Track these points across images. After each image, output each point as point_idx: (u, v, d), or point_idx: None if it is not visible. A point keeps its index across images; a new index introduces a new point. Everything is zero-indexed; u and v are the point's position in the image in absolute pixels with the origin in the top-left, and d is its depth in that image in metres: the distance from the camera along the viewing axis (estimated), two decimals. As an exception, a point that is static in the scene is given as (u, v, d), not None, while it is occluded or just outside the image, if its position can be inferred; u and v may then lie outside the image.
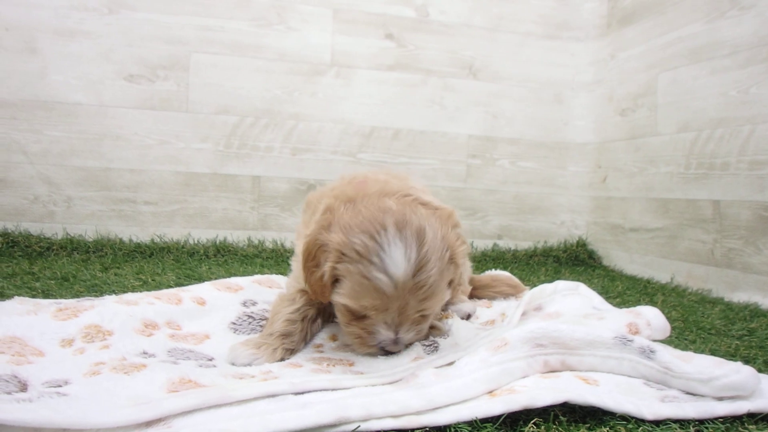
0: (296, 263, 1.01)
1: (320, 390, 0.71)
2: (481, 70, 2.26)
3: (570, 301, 1.10)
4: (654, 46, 1.98)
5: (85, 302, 0.99)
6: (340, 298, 0.85)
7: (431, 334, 0.95)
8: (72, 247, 1.87)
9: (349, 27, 2.16)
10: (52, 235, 1.95)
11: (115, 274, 1.53)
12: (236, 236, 2.09)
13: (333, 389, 0.72)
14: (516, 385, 0.74)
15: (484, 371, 0.75)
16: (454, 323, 1.02)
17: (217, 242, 2.04)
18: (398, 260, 0.79)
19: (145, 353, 0.85)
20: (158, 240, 2.01)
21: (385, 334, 0.85)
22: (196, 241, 2.04)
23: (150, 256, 1.90)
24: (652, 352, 0.79)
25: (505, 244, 2.28)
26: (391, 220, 0.82)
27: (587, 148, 2.32)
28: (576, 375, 0.79)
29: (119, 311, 0.95)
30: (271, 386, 0.69)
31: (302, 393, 0.70)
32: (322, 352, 0.94)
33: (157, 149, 2.04)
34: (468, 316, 1.16)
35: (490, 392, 0.73)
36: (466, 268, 1.35)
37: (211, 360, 0.87)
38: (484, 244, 2.25)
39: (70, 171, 1.98)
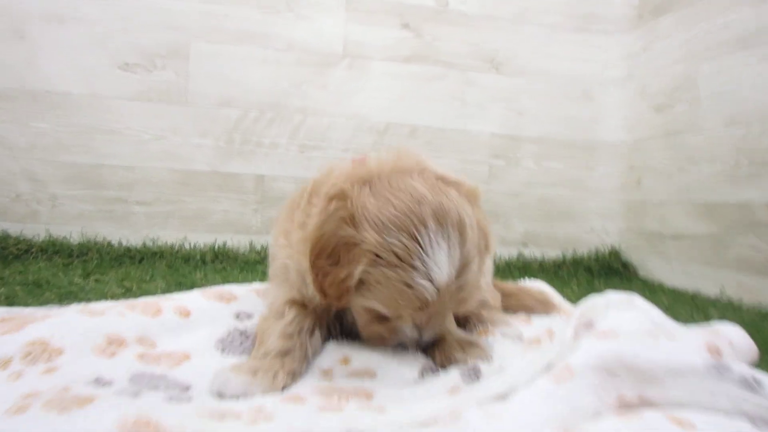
0: (281, 270, 0.89)
1: None
2: (504, 63, 2.11)
3: (625, 316, 0.92)
4: (694, 35, 1.84)
5: (38, 312, 0.83)
6: (368, 302, 0.75)
7: (468, 353, 0.80)
8: (53, 250, 1.71)
9: (362, 15, 2.01)
10: (33, 237, 1.77)
11: (96, 281, 1.37)
12: (237, 240, 1.91)
13: None
14: (590, 430, 0.57)
15: (549, 408, 0.59)
16: (496, 342, 0.86)
17: (216, 247, 1.86)
18: (443, 264, 0.71)
19: (98, 380, 0.68)
20: (151, 244, 1.83)
21: (410, 334, 0.79)
22: (192, 246, 1.86)
23: (140, 262, 1.73)
24: (757, 383, 0.62)
25: (530, 252, 2.10)
26: (429, 211, 0.72)
27: (619, 147, 2.17)
28: (664, 415, 0.61)
29: (77, 324, 0.78)
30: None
31: None
32: (331, 380, 0.76)
33: (153, 144, 1.88)
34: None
35: None
36: (489, 268, 1.20)
37: (186, 390, 0.69)
38: (508, 252, 2.07)
39: (57, 167, 1.82)
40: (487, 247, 0.80)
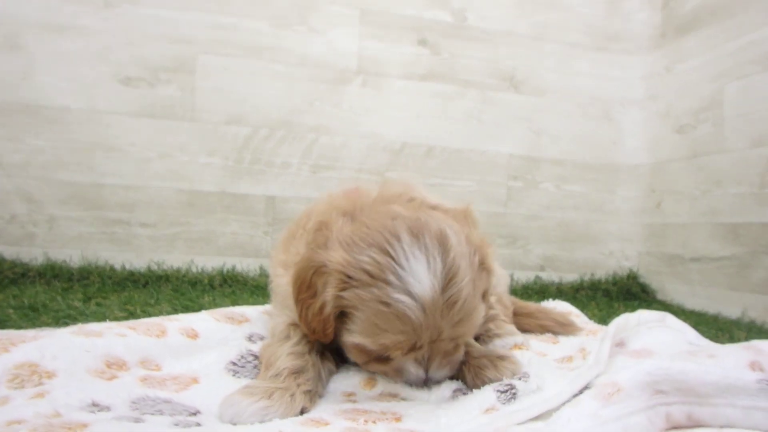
0: (282, 297, 0.83)
1: None
2: (523, 82, 2.05)
3: (659, 335, 0.88)
4: (719, 54, 1.81)
5: (28, 333, 0.76)
6: (352, 336, 0.67)
7: (501, 371, 0.72)
8: (52, 273, 1.62)
9: (378, 31, 1.93)
10: (30, 260, 1.67)
11: (97, 304, 1.30)
12: (246, 264, 1.83)
13: None
14: None
15: (599, 431, 0.55)
16: (532, 358, 0.79)
17: (225, 271, 1.78)
18: (421, 275, 0.63)
19: (94, 405, 0.61)
20: (156, 267, 1.74)
21: (414, 374, 0.69)
22: (200, 270, 1.78)
23: (144, 286, 1.65)
24: None
25: (548, 276, 2.05)
26: (403, 226, 0.66)
27: (639, 170, 2.13)
28: None
29: (71, 345, 0.71)
30: None
31: None
32: (355, 402, 0.70)
33: (157, 163, 1.78)
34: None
35: None
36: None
37: (194, 415, 0.62)
38: (525, 276, 2.02)
39: (54, 186, 1.71)
40: (483, 264, 0.72)
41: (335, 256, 0.66)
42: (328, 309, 0.67)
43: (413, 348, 0.66)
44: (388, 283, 0.63)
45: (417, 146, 1.97)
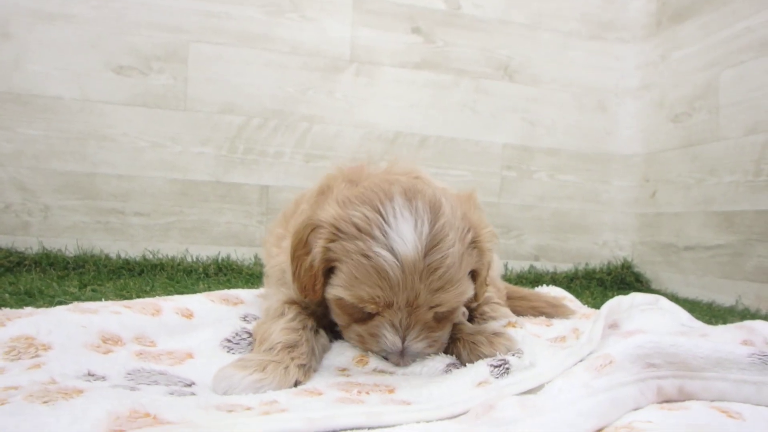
0: (276, 275, 0.85)
1: (352, 429, 0.51)
2: (518, 71, 2.04)
3: (652, 317, 0.89)
4: (714, 42, 1.80)
5: (24, 310, 0.77)
6: (334, 290, 0.68)
7: (496, 347, 0.73)
8: (48, 262, 1.63)
9: (371, 18, 1.92)
10: (26, 249, 1.68)
11: (93, 291, 1.30)
12: (241, 253, 1.84)
13: (370, 428, 0.51)
14: (635, 422, 0.54)
15: (590, 401, 0.55)
16: (526, 336, 0.79)
17: (219, 260, 1.79)
18: (406, 234, 0.64)
19: (90, 375, 0.62)
20: (150, 256, 1.75)
21: (390, 340, 0.68)
22: (194, 258, 1.78)
23: (139, 274, 1.66)
24: None
25: (542, 266, 2.05)
26: (399, 189, 0.68)
27: (633, 160, 2.12)
28: (709, 406, 0.59)
29: (67, 321, 0.72)
30: (275, 423, 0.47)
31: None
32: (348, 376, 0.70)
33: (149, 153, 1.78)
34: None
35: (599, 431, 0.54)
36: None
37: (189, 386, 0.63)
38: (519, 266, 2.03)
39: (48, 176, 1.71)
40: (477, 243, 0.72)
41: (329, 211, 0.68)
42: (317, 261, 0.68)
43: (389, 306, 0.66)
44: (372, 237, 0.64)
45: (411, 135, 1.97)
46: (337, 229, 0.67)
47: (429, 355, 0.72)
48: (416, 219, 0.65)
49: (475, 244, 0.71)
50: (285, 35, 1.86)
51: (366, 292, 0.65)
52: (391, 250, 0.63)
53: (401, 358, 0.69)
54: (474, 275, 0.74)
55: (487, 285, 0.82)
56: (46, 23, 1.69)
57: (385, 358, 0.71)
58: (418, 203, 0.66)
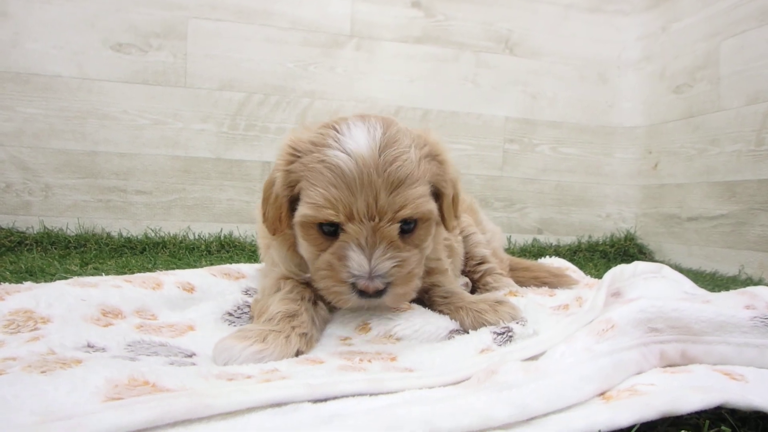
0: (269, 255, 0.84)
1: (353, 395, 0.49)
2: (518, 44, 2.03)
3: (655, 285, 0.88)
4: (714, 12, 1.79)
5: (24, 285, 0.77)
6: (299, 213, 0.69)
7: (500, 314, 0.72)
8: (49, 241, 1.62)
9: (371, -7, 1.91)
10: (27, 229, 1.67)
11: (94, 269, 1.30)
12: (244, 230, 1.83)
13: (372, 394, 0.50)
14: (637, 384, 0.54)
15: (592, 364, 0.55)
16: (529, 304, 0.79)
17: (222, 237, 1.78)
18: (359, 138, 0.67)
19: (89, 347, 0.62)
20: (152, 234, 1.74)
21: (356, 260, 0.66)
22: (197, 236, 1.77)
23: (141, 252, 1.65)
24: None
25: (545, 239, 2.05)
26: (355, 115, 0.73)
27: (636, 132, 2.12)
28: (712, 369, 0.59)
29: (66, 294, 0.72)
30: (275, 390, 0.47)
31: (325, 400, 0.48)
32: (351, 345, 0.69)
33: (150, 130, 1.77)
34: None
35: (602, 394, 0.53)
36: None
37: (189, 357, 0.62)
38: (522, 239, 2.02)
39: (48, 154, 1.70)
40: (436, 155, 0.73)
41: (291, 137, 0.71)
42: (280, 188, 0.70)
43: (350, 216, 0.65)
44: (327, 146, 0.67)
45: (412, 110, 1.96)
46: (294, 149, 0.70)
47: (399, 280, 0.68)
48: (368, 128, 0.69)
49: (434, 156, 0.73)
50: (285, 10, 1.85)
51: (324, 197, 0.65)
52: (345, 151, 0.66)
53: (371, 281, 0.66)
54: (438, 194, 0.74)
55: (457, 215, 0.79)
56: (44, 2, 1.67)
57: (360, 294, 0.67)
58: (371, 119, 0.71)
